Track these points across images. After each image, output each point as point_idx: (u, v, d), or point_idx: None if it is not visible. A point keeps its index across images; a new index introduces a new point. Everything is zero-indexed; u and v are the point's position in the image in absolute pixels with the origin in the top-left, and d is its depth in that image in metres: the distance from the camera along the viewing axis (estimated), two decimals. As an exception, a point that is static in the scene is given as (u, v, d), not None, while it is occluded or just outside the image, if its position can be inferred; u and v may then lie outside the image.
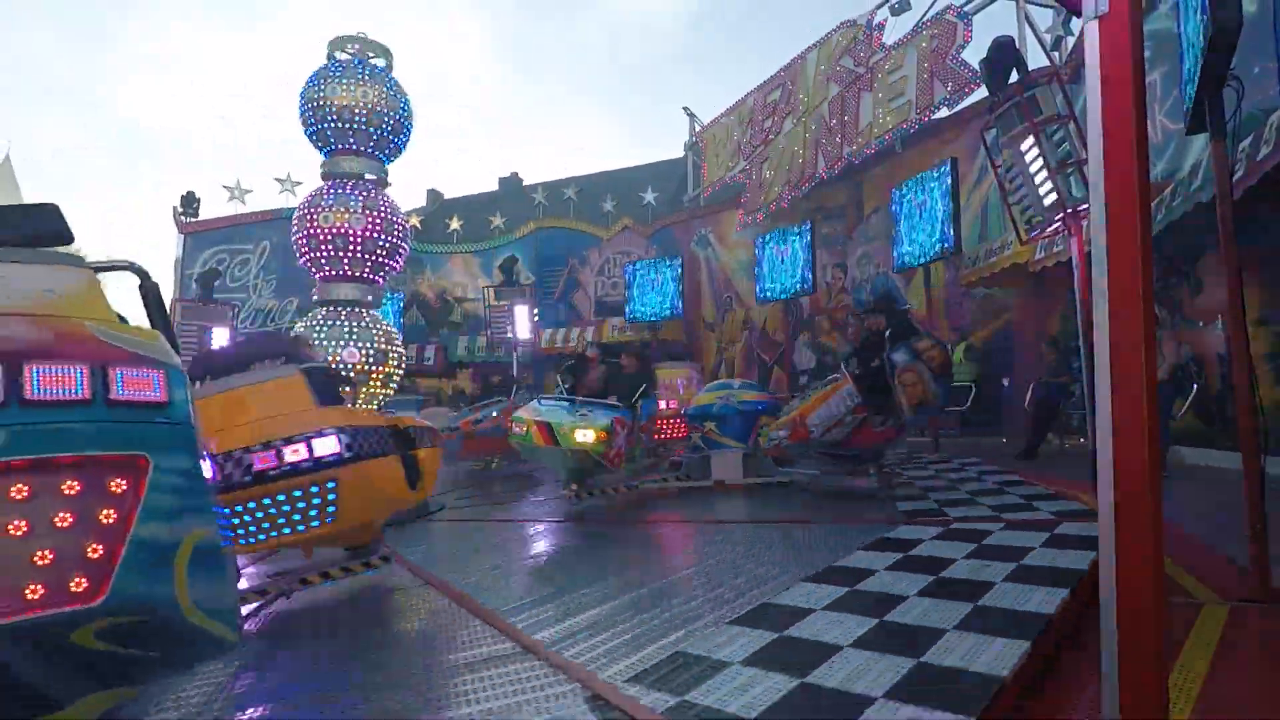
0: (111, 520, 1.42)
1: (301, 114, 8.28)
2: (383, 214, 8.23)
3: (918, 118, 11.50)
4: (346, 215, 7.99)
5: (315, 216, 7.99)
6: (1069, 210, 6.28)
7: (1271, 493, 3.11)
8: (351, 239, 8.02)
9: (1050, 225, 6.74)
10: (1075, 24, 10.42)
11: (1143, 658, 1.38)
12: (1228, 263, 3.18)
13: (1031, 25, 11.00)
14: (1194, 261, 7.29)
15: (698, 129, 17.56)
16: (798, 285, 13.20)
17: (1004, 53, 6.82)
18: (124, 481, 1.45)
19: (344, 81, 8.09)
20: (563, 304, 18.50)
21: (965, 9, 11.09)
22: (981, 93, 10.29)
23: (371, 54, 8.53)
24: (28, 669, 1.39)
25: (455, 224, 19.79)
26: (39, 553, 1.35)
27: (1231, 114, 3.25)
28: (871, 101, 12.37)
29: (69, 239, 1.84)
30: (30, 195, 53.82)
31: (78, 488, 1.41)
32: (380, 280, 8.62)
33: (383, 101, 8.23)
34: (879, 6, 12.60)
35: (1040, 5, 11.07)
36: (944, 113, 11.52)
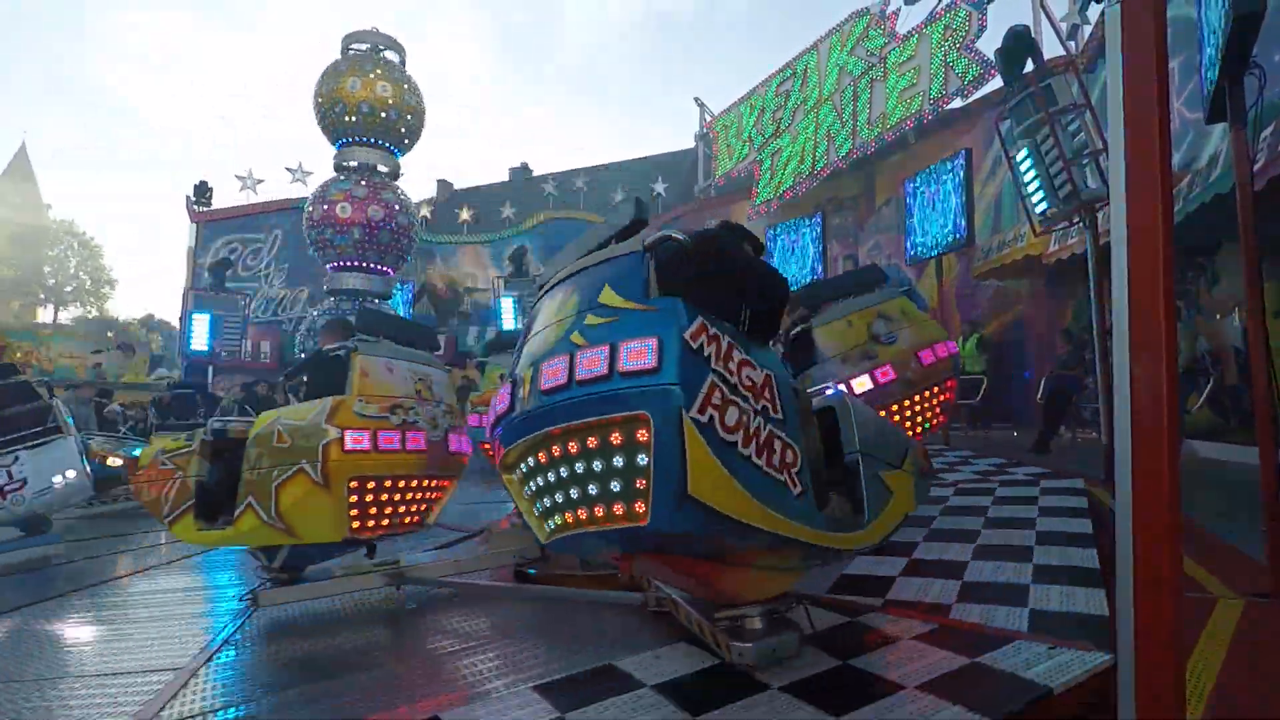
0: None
1: (315, 106, 8.31)
2: (393, 205, 8.26)
3: (931, 108, 11.40)
4: (356, 206, 8.01)
5: (325, 207, 8.02)
6: (1084, 201, 6.22)
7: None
8: (362, 229, 8.04)
9: (1064, 216, 6.68)
10: (1092, 11, 10.27)
11: (1160, 661, 1.37)
12: (1247, 254, 3.13)
13: (1047, 14, 10.85)
14: (1211, 253, 7.20)
15: (708, 119, 17.47)
16: (809, 276, 13.14)
17: (1019, 42, 6.74)
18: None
19: (357, 75, 8.12)
20: (572, 295, 18.50)
21: (980, -3, 10.96)
22: (996, 82, 10.18)
23: (384, 48, 8.55)
24: None
25: (465, 215, 19.80)
26: None
27: (1253, 102, 3.19)
28: (884, 91, 12.26)
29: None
30: (44, 184, 54.33)
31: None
32: (389, 270, 8.64)
33: (395, 94, 8.26)
34: (893, -5, 12.49)
35: (1057, -7, 10.93)
36: (958, 103, 11.41)
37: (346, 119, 8.22)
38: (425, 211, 19.30)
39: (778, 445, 1.93)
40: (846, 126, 12.97)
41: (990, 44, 9.24)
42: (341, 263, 8.33)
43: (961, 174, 9.99)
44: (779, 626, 2.15)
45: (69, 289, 45.75)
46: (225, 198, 19.83)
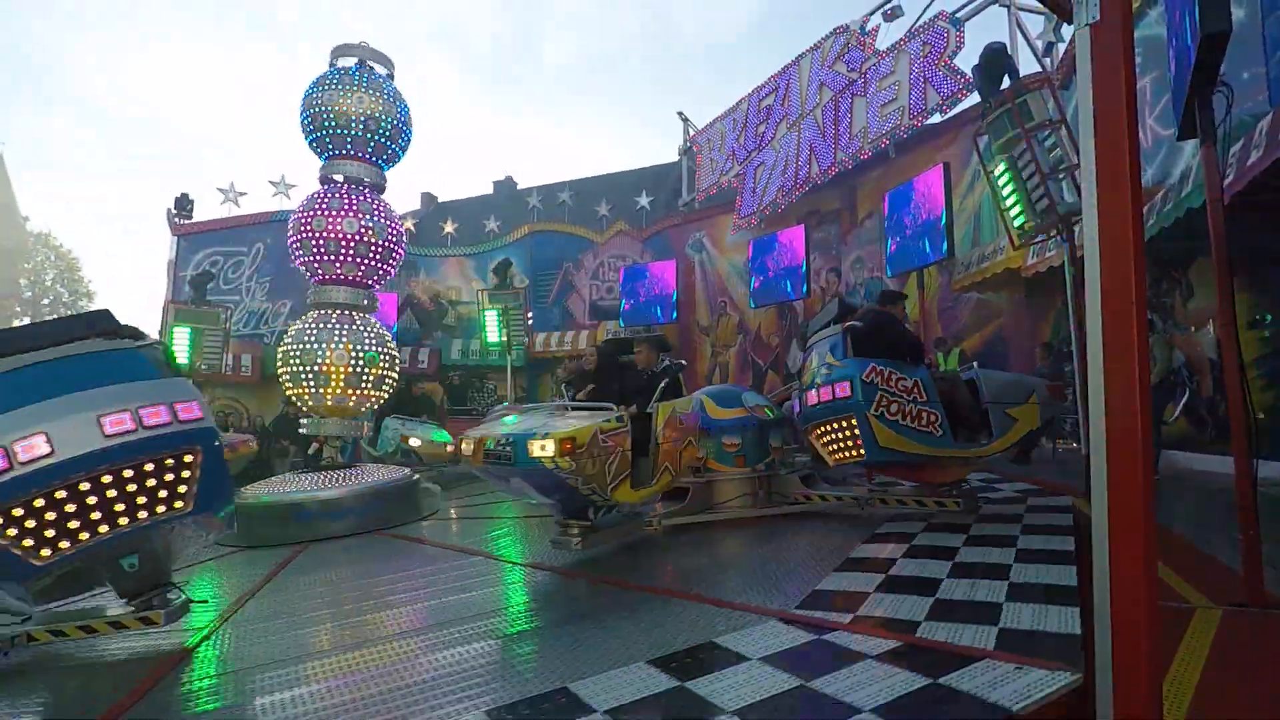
0: None
1: (302, 119, 8.25)
2: (379, 219, 8.21)
3: (911, 123, 11.55)
4: (343, 220, 7.97)
5: (312, 220, 7.96)
6: (1061, 215, 6.32)
7: (1263, 497, 3.12)
8: (347, 243, 7.99)
9: (1042, 230, 6.78)
10: (1067, 30, 10.47)
11: (1137, 666, 1.38)
12: (1219, 267, 3.19)
13: (1023, 31, 11.06)
14: (1186, 266, 7.32)
15: (692, 133, 17.59)
16: (791, 289, 13.21)
17: (996, 59, 6.86)
18: None
19: (345, 88, 8.08)
20: (557, 308, 18.48)
21: (958, 15, 11.15)
22: (974, 98, 10.34)
23: (373, 62, 8.53)
24: None
25: (450, 227, 19.75)
26: None
27: (1222, 119, 3.27)
28: (865, 107, 12.42)
29: None
30: (22, 192, 53.69)
31: None
32: (376, 284, 8.58)
33: (382, 108, 8.22)
34: (872, 12, 12.67)
35: (1032, 12, 11.13)
36: (937, 118, 11.57)
37: (335, 132, 8.17)
38: (409, 224, 19.22)
39: (924, 415, 4.75)
40: (827, 141, 13.11)
41: (968, 60, 9.38)
42: (324, 276, 8.25)
43: (941, 188, 10.10)
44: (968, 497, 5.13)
45: (45, 301, 45.06)
46: (209, 209, 19.61)
